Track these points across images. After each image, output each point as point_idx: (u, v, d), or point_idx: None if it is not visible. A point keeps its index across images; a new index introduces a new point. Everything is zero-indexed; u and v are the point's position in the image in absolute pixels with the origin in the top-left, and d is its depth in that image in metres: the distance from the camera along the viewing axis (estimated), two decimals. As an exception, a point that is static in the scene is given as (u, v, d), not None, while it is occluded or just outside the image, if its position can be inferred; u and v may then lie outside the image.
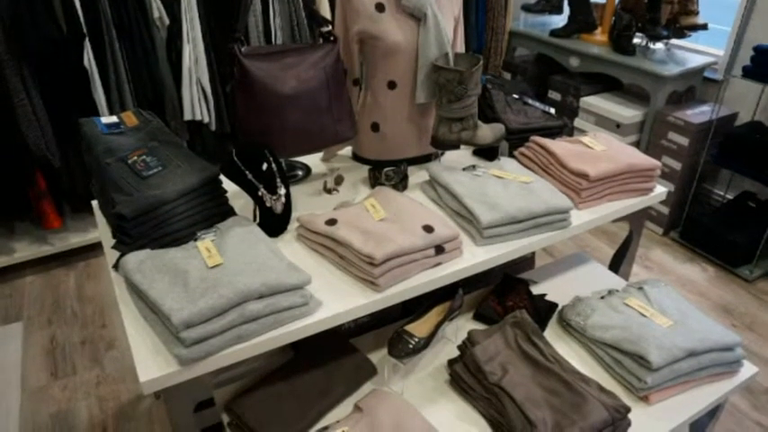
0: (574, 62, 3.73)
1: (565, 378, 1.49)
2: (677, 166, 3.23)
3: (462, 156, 2.05)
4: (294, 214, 1.68)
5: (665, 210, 3.36)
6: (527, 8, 4.17)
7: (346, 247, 1.45)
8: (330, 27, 1.74)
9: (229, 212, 1.58)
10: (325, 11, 3.18)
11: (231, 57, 1.60)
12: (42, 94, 2.68)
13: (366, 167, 1.97)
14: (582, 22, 3.76)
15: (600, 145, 1.91)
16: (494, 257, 1.58)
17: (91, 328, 2.68)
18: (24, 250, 3.03)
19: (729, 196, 3.43)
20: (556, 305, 1.88)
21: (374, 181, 1.84)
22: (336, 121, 1.74)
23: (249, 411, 1.46)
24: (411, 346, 1.56)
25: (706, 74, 3.44)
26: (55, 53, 2.60)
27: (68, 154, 2.86)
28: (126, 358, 2.50)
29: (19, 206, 2.95)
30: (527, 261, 2.41)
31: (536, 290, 1.98)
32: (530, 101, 2.21)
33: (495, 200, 1.63)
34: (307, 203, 1.78)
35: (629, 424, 1.46)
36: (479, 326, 1.82)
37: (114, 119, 1.59)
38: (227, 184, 1.58)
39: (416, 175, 1.93)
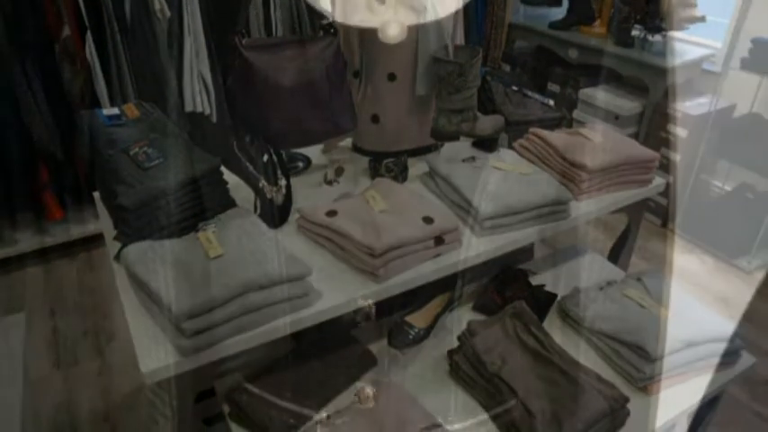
0: (573, 54, 3.73)
1: (563, 368, 1.50)
2: (676, 157, 3.23)
3: (462, 147, 2.05)
4: (295, 206, 1.68)
5: (663, 201, 3.37)
6: (526, 0, 4.16)
7: (347, 239, 1.46)
8: (330, 19, 1.74)
9: (230, 204, 1.58)
10: (326, 3, 3.17)
11: (232, 48, 1.60)
12: (44, 86, 2.68)
13: (366, 159, 1.97)
14: (581, 14, 3.75)
15: (599, 137, 1.91)
16: (493, 248, 1.59)
17: (92, 318, 2.70)
18: (26, 241, 3.04)
19: (728, 188, 3.44)
20: (555, 296, 1.89)
21: (374, 172, 1.85)
22: (337, 113, 1.74)
23: (250, 402, 1.47)
24: (411, 336, 1.57)
25: (704, 66, 3.44)
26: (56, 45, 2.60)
27: (70, 145, 2.86)
28: (127, 349, 2.48)
29: (21, 197, 2.95)
30: (526, 252, 2.42)
31: (535, 281, 1.99)
32: (529, 93, 2.21)
33: (494, 191, 1.64)
34: (307, 195, 1.78)
35: (627, 414, 1.46)
36: (479, 316, 1.83)
37: (116, 111, 1.59)
38: (228, 175, 1.59)
39: (416, 167, 1.93)
